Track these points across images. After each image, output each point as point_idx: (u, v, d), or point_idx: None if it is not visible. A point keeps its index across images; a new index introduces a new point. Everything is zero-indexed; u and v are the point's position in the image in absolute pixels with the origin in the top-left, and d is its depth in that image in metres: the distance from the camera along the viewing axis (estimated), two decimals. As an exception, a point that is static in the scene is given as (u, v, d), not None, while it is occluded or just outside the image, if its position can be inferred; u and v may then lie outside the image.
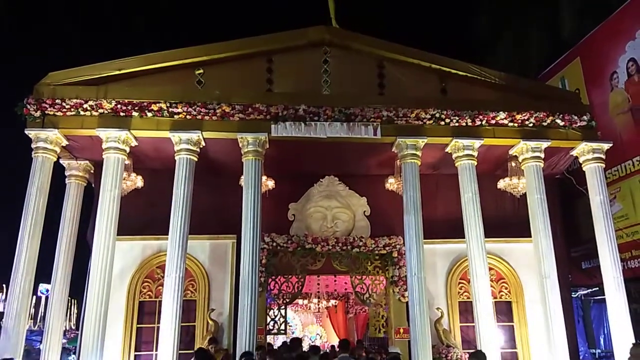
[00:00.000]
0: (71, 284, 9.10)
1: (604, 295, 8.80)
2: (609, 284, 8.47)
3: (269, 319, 9.61)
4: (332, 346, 12.92)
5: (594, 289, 10.61)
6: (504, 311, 9.78)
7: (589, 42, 11.45)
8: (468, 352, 9.13)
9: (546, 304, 8.42)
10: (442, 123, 8.89)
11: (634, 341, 7.59)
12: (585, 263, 10.71)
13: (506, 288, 9.88)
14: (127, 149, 8.55)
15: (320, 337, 16.85)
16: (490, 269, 9.00)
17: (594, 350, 10.79)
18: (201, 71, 9.03)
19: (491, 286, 8.81)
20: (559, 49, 12.60)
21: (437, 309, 9.41)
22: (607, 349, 10.41)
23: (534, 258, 8.87)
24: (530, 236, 8.94)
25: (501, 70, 9.91)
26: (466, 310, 9.46)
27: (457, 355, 9.07)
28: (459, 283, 9.81)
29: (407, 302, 8.78)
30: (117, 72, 8.77)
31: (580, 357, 10.22)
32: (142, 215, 9.34)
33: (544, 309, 8.51)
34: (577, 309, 10.95)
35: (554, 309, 8.34)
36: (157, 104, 8.40)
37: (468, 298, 9.45)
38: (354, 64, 9.46)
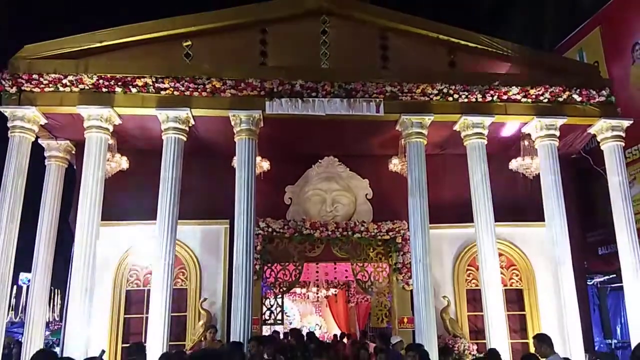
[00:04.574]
0: (53, 273, 9.18)
1: (621, 282, 8.85)
2: (627, 271, 8.54)
3: (264, 309, 9.80)
4: (335, 335, 13.21)
5: (611, 276, 10.63)
6: (515, 299, 9.95)
7: (610, 10, 11.26)
8: (476, 343, 9.39)
9: (560, 291, 8.45)
10: (450, 99, 8.90)
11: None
12: (602, 249, 10.72)
13: (517, 275, 10.05)
14: (111, 128, 8.59)
15: (320, 327, 17.13)
16: (500, 254, 9.14)
17: (610, 341, 10.82)
18: (189, 43, 9.06)
19: (501, 273, 8.98)
20: (578, 17, 12.35)
21: (444, 297, 9.60)
22: (624, 339, 10.48)
23: (547, 243, 8.89)
24: (543, 220, 9.01)
25: (514, 41, 9.88)
26: (474, 298, 9.65)
27: (464, 346, 9.25)
28: (467, 270, 9.99)
29: (411, 291, 8.94)
30: (99, 45, 8.79)
31: (596, 348, 10.29)
32: (128, 199, 9.45)
33: (557, 297, 8.53)
34: (593, 297, 10.94)
35: (568, 297, 8.40)
36: (142, 79, 8.39)
37: (476, 286, 9.60)
38: (355, 35, 9.45)
